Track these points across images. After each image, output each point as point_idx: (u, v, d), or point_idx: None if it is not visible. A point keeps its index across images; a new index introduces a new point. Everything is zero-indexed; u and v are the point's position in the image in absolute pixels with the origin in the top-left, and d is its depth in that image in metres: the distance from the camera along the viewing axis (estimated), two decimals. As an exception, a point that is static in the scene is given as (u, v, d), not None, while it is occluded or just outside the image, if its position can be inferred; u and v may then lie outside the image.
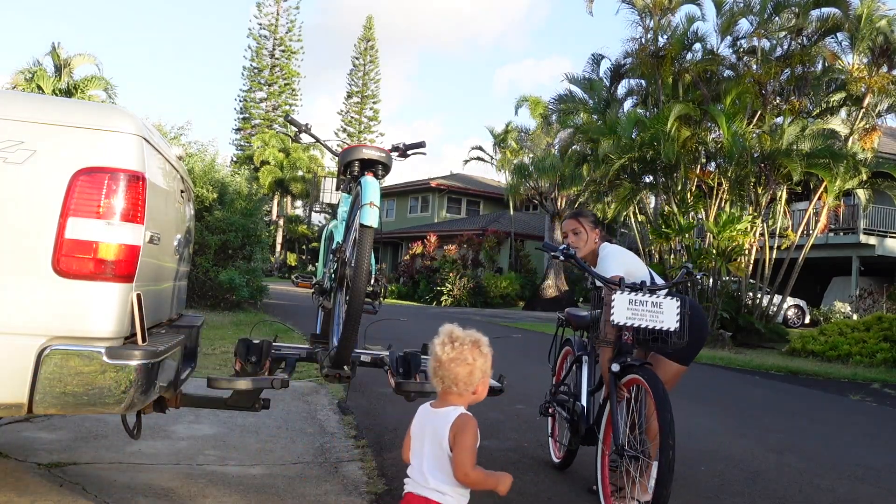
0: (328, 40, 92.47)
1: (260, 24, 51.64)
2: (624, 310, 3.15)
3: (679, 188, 16.07)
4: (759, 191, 15.54)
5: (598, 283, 3.52)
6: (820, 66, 16.08)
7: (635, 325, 3.15)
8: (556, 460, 4.19)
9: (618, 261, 3.60)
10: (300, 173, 45.71)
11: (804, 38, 15.46)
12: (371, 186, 3.08)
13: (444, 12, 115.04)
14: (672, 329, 3.14)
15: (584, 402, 3.67)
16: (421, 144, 4.04)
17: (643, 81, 18.55)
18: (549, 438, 4.39)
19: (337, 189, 4.31)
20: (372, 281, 3.16)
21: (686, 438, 4.70)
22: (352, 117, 53.39)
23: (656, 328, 3.15)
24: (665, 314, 3.14)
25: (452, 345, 2.01)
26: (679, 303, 3.16)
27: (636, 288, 3.24)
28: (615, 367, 3.26)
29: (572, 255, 3.57)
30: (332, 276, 3.55)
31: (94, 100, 23.21)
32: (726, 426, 5.78)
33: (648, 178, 17.59)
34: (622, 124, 16.42)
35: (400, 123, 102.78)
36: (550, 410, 4.14)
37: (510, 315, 22.12)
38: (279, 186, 45.72)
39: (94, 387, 2.24)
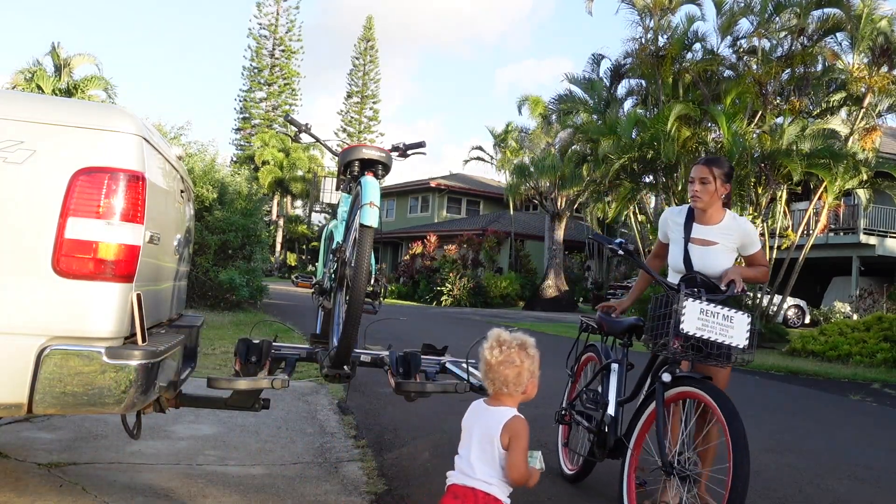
0: (328, 40, 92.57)
1: (260, 24, 51.67)
2: (695, 319, 2.94)
3: (679, 188, 16.07)
4: (759, 191, 15.53)
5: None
6: (820, 66, 16.08)
7: (704, 337, 2.94)
8: (568, 471, 3.91)
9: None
10: (300, 173, 45.71)
11: (805, 38, 15.44)
12: (371, 186, 3.08)
13: (445, 12, 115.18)
14: (741, 346, 2.96)
15: (612, 412, 3.41)
16: (421, 144, 4.04)
17: (643, 81, 18.58)
18: (561, 448, 4.09)
19: (337, 189, 4.30)
20: (372, 281, 3.16)
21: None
22: (352, 117, 53.37)
23: (724, 343, 2.95)
24: (735, 329, 2.96)
25: (500, 348, 2.10)
26: (749, 319, 3.00)
27: (697, 296, 3.02)
28: (666, 378, 3.04)
29: (629, 250, 3.34)
30: (332, 276, 3.55)
31: (94, 100, 23.20)
32: (726, 426, 5.76)
33: (648, 178, 17.59)
34: (622, 124, 16.43)
35: (400, 123, 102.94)
36: (567, 418, 3.85)
37: (510, 315, 22.11)
38: (279, 186, 45.72)
39: (94, 387, 2.24)
